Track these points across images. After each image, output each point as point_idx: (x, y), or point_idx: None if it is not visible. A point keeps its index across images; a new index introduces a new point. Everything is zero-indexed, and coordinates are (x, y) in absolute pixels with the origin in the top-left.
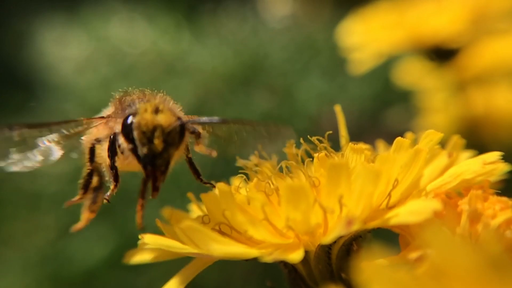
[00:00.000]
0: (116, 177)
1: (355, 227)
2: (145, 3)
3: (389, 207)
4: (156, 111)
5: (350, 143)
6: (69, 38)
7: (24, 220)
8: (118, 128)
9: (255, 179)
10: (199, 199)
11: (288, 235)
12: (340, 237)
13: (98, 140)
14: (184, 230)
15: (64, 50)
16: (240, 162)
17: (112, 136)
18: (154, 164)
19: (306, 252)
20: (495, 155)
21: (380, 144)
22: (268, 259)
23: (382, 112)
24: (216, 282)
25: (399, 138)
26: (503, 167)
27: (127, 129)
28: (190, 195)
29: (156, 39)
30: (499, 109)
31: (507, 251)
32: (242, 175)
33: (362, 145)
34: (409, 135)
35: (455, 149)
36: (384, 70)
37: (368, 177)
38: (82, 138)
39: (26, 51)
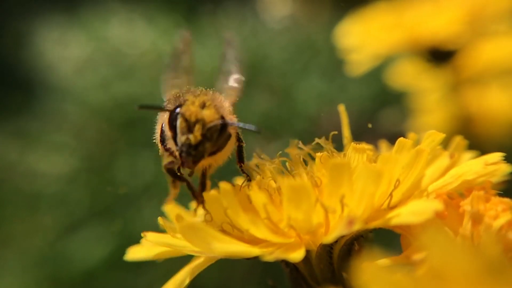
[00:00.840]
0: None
1: (357, 227)
2: (145, 3)
3: (391, 207)
4: (203, 106)
5: (352, 143)
6: (68, 39)
7: (23, 220)
8: (165, 117)
9: (257, 178)
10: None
11: (289, 234)
12: (342, 237)
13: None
14: (186, 228)
15: (63, 50)
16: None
17: (162, 125)
18: (189, 154)
19: (308, 252)
20: (497, 156)
21: (382, 144)
22: (270, 258)
23: (381, 112)
24: (216, 282)
25: (401, 138)
26: (505, 168)
27: (172, 117)
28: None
29: (156, 40)
30: (495, 110)
31: (509, 252)
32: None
33: (364, 145)
34: (411, 135)
35: (457, 150)
36: (383, 71)
37: (370, 177)
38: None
39: (26, 52)
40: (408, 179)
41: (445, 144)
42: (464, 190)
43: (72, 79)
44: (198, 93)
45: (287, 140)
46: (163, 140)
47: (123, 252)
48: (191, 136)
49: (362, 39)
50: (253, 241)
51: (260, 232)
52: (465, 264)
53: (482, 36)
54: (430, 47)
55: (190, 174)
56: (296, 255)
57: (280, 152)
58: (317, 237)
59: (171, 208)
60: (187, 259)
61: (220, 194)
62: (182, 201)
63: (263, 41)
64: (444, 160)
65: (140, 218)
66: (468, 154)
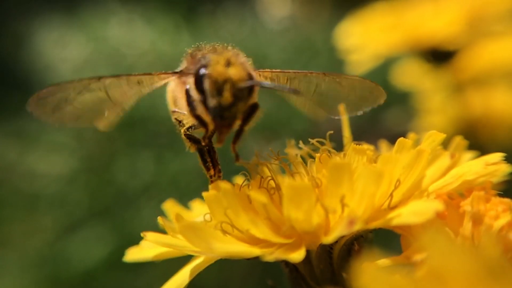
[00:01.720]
0: (204, 124)
1: (357, 227)
2: (144, 4)
3: (391, 208)
4: (228, 64)
5: (353, 143)
6: (68, 39)
7: (22, 221)
8: (190, 81)
9: (257, 178)
10: (201, 198)
11: (289, 235)
12: (342, 237)
13: (175, 97)
14: (186, 228)
15: (63, 51)
16: (240, 162)
17: (186, 90)
18: (222, 116)
19: (308, 252)
20: (497, 156)
21: (383, 145)
22: (270, 258)
23: (381, 113)
24: (215, 282)
25: (401, 138)
26: (506, 168)
27: (199, 80)
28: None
29: (155, 40)
30: (497, 110)
31: (509, 253)
32: (244, 173)
33: (364, 146)
34: (411, 135)
35: (458, 150)
36: (382, 71)
37: (370, 177)
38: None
39: (25, 52)
40: (409, 179)
41: (447, 144)
42: (464, 191)
43: (71, 79)
44: (219, 50)
45: (287, 140)
46: (192, 107)
47: (122, 252)
48: (221, 99)
49: (362, 40)
50: (253, 241)
51: (260, 232)
52: (465, 264)
53: (482, 36)
54: (430, 48)
55: (221, 141)
56: (296, 256)
57: (279, 151)
58: (317, 237)
59: (170, 206)
60: (187, 259)
61: (220, 194)
62: (182, 201)
63: (263, 41)
64: (444, 160)
65: (140, 218)
66: (469, 154)
